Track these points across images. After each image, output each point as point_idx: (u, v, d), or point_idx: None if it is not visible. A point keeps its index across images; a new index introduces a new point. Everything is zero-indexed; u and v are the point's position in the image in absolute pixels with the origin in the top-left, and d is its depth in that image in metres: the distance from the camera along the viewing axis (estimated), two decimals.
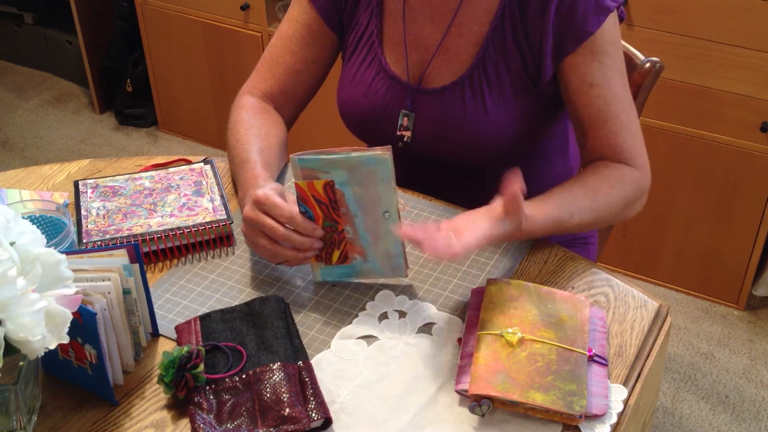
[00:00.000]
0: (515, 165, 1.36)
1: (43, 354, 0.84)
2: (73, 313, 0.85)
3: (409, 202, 1.29)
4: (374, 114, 1.34)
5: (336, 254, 1.12)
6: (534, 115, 1.30)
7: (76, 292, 0.86)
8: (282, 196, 1.10)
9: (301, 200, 1.08)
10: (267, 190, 1.08)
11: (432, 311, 1.10)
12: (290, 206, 1.08)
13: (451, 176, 1.37)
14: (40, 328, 0.82)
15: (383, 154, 1.04)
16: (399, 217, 1.09)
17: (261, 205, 1.07)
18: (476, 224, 1.06)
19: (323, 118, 2.55)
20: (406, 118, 1.31)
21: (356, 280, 1.14)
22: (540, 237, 1.17)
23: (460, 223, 1.07)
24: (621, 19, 1.26)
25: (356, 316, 1.09)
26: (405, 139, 1.32)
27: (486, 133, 1.27)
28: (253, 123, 1.30)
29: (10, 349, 0.82)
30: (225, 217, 1.21)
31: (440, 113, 1.29)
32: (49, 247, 0.89)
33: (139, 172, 1.32)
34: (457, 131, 1.29)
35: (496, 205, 1.08)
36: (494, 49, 1.26)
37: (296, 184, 1.07)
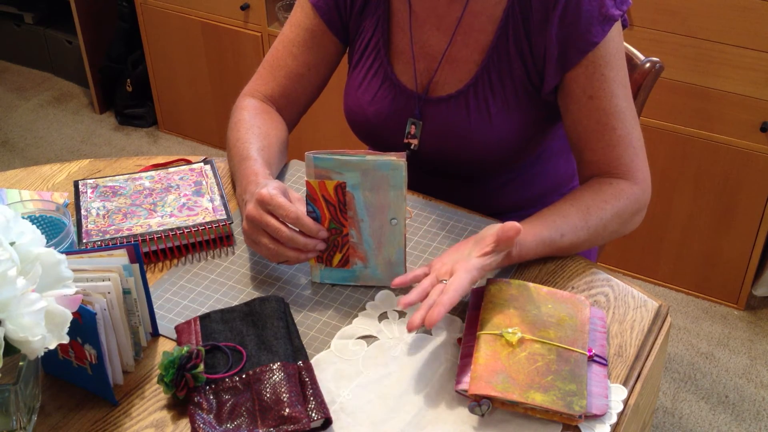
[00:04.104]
0: (520, 168, 1.36)
1: (43, 354, 0.84)
2: (73, 313, 0.85)
3: (409, 203, 1.29)
4: (381, 122, 1.34)
5: (337, 257, 1.12)
6: (538, 121, 1.29)
7: (76, 292, 0.86)
8: (285, 195, 1.10)
9: (310, 199, 1.08)
10: (271, 189, 1.08)
11: None
12: (296, 207, 1.08)
13: (457, 182, 1.37)
14: (40, 328, 0.82)
15: (398, 160, 1.04)
16: (405, 226, 1.09)
17: (265, 205, 1.07)
18: (469, 261, 1.05)
19: (324, 119, 2.55)
20: (413, 126, 1.31)
21: (354, 284, 1.14)
22: (532, 258, 1.15)
23: (450, 259, 1.07)
24: (624, 27, 1.26)
25: (356, 316, 1.09)
26: (412, 147, 1.32)
27: (491, 141, 1.27)
28: (254, 123, 1.30)
29: (10, 349, 0.82)
30: (225, 217, 1.21)
31: (446, 122, 1.29)
32: (49, 247, 0.89)
33: (139, 172, 1.32)
34: (462, 139, 1.28)
35: (486, 236, 1.07)
36: (498, 58, 1.25)
37: (307, 182, 1.07)
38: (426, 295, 1.02)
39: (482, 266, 1.05)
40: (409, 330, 0.99)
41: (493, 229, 1.06)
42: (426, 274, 1.07)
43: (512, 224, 1.04)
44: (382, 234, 1.10)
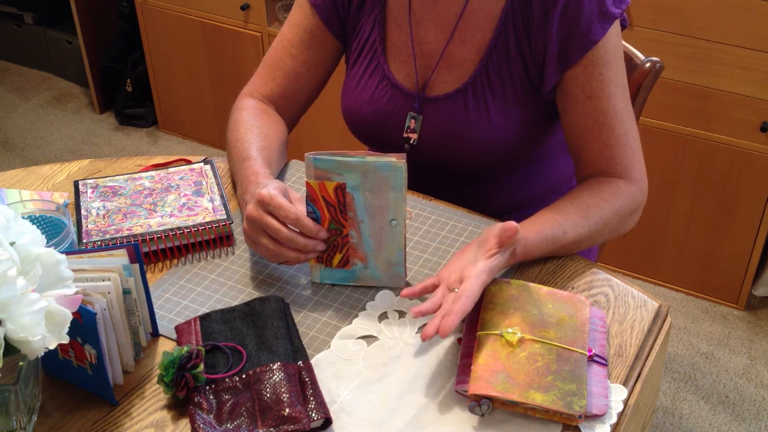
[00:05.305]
0: (519, 168, 1.36)
1: (43, 354, 0.84)
2: (73, 313, 0.85)
3: (409, 203, 1.29)
4: (378, 120, 1.34)
5: (337, 258, 1.12)
6: (537, 120, 1.29)
7: (76, 292, 0.86)
8: (285, 195, 1.10)
9: (310, 200, 1.08)
10: (271, 189, 1.08)
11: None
12: (296, 207, 1.08)
13: (455, 180, 1.37)
14: (40, 328, 0.82)
15: (398, 162, 1.04)
16: (405, 226, 1.09)
17: (265, 205, 1.07)
18: (476, 266, 1.04)
19: (324, 120, 2.55)
20: (413, 121, 1.31)
21: (354, 285, 1.14)
22: (537, 257, 1.16)
23: (457, 266, 1.07)
24: (624, 26, 1.26)
25: (356, 316, 1.09)
26: (411, 141, 1.32)
27: (490, 139, 1.27)
28: (254, 123, 1.30)
29: (10, 349, 0.82)
30: (225, 217, 1.21)
31: (444, 120, 1.29)
32: (49, 247, 0.89)
33: (139, 172, 1.32)
34: (461, 138, 1.28)
35: (488, 237, 1.07)
36: (497, 57, 1.25)
37: (307, 183, 1.07)
38: (439, 306, 1.02)
39: (490, 268, 1.05)
40: (423, 339, 0.99)
41: (494, 230, 1.07)
42: (435, 285, 1.06)
43: (511, 223, 1.05)
44: (382, 235, 1.10)
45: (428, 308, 1.02)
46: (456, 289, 1.02)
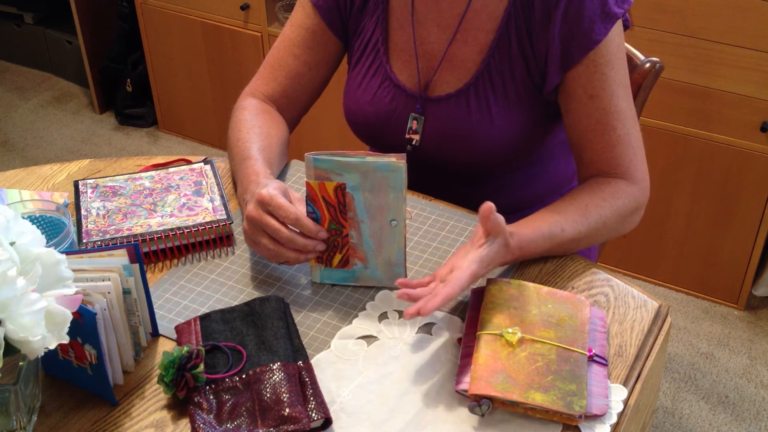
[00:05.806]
0: (520, 168, 1.36)
1: (43, 354, 0.84)
2: (73, 313, 0.85)
3: (409, 203, 1.29)
4: (380, 121, 1.34)
5: (337, 258, 1.12)
6: (539, 120, 1.29)
7: (76, 292, 0.86)
8: (286, 195, 1.10)
9: (310, 200, 1.08)
10: (271, 189, 1.08)
11: None
12: (296, 207, 1.08)
13: (456, 180, 1.37)
14: (40, 328, 0.82)
15: (398, 162, 1.04)
16: (405, 226, 1.09)
17: (265, 205, 1.07)
18: (467, 257, 1.05)
19: (325, 120, 2.55)
20: (415, 122, 1.31)
21: (354, 285, 1.14)
22: (537, 256, 1.16)
23: (450, 262, 1.07)
24: (626, 27, 1.26)
25: (356, 316, 1.09)
26: (413, 143, 1.32)
27: (492, 140, 1.27)
28: (255, 123, 1.30)
29: (10, 349, 0.82)
30: (225, 217, 1.21)
31: (446, 120, 1.29)
32: (49, 247, 0.89)
33: (139, 172, 1.32)
34: (462, 138, 1.28)
35: (477, 230, 1.08)
36: (499, 57, 1.25)
37: (307, 183, 1.07)
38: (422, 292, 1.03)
39: (480, 258, 1.04)
40: (405, 318, 0.99)
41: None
42: (430, 282, 1.07)
43: (484, 203, 1.03)
44: (381, 235, 1.10)
45: (417, 294, 1.02)
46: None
